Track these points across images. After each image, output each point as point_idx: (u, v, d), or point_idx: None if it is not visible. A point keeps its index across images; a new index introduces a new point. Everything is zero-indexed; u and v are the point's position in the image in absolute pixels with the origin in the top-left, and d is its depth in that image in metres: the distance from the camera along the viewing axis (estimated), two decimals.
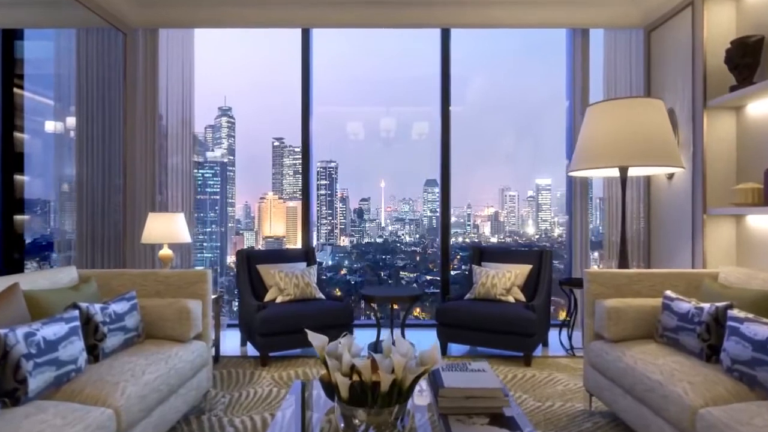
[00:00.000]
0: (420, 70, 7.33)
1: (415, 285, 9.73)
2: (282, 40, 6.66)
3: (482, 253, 5.30)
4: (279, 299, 4.77)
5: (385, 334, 5.15)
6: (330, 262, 9.28)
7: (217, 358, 4.63)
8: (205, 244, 8.21)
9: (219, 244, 8.48)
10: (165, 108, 5.47)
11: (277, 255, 5.18)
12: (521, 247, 9.85)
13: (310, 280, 4.85)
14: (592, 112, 4.25)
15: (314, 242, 10.34)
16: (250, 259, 5.04)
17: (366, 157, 9.19)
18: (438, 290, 9.89)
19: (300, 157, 10.11)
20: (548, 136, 7.60)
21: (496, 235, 9.97)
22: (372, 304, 4.86)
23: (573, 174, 4.59)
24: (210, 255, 8.17)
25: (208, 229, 8.27)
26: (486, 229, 9.99)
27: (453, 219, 10.68)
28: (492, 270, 4.90)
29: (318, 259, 10.35)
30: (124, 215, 5.45)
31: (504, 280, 4.79)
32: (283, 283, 4.78)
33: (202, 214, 8.08)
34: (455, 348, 5.00)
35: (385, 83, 7.87)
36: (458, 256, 9.41)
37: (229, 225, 9.69)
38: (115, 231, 5.43)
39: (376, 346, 4.93)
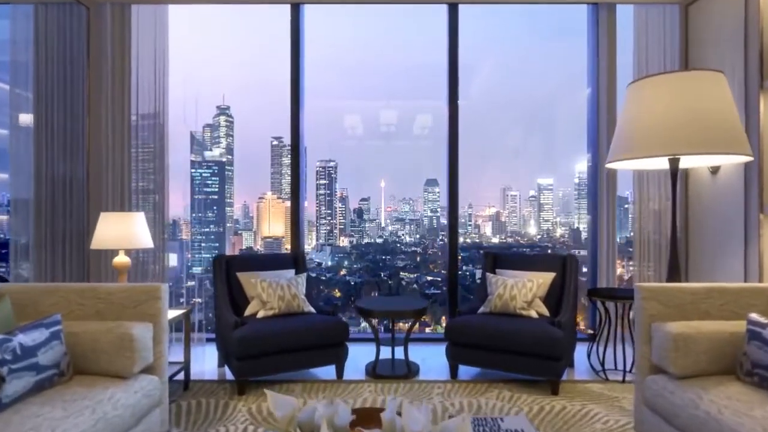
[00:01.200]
0: (423, 57, 6.26)
1: (415, 286, 8.79)
2: (274, 29, 5.61)
3: (496, 259, 4.23)
4: (261, 314, 3.71)
5: (385, 352, 4.09)
6: (329, 263, 8.46)
7: (186, 384, 3.57)
8: (203, 244, 7.44)
9: (217, 244, 7.62)
10: (135, 94, 4.40)
11: (261, 261, 4.11)
12: (530, 248, 8.89)
13: (297, 291, 3.79)
14: (635, 91, 3.19)
15: (313, 242, 9.48)
16: (229, 266, 3.98)
17: (365, 155, 8.18)
18: (438, 291, 8.96)
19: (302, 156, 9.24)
20: (561, 129, 6.53)
21: (498, 236, 9.20)
22: (370, 319, 3.81)
23: (611, 166, 3.54)
24: (208, 255, 7.29)
25: (206, 229, 7.51)
26: (487, 229, 9.21)
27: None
28: (510, 279, 3.83)
29: (317, 260, 9.42)
30: (87, 215, 4.39)
31: (525, 291, 3.72)
32: (266, 295, 3.72)
33: (200, 214, 7.39)
34: (465, 370, 3.92)
35: (384, 73, 6.80)
36: (459, 257, 8.82)
37: (228, 225, 8.95)
38: (78, 233, 4.37)
39: (375, 367, 3.87)
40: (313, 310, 3.85)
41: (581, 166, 8.67)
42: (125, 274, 3.40)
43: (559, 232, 8.12)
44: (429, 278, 8.64)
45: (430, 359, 4.15)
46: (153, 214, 4.42)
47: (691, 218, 4.32)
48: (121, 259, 3.42)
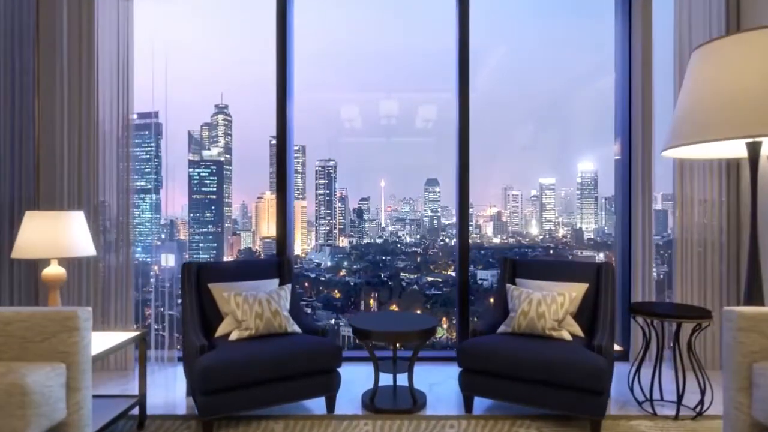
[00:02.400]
0: (426, 42, 5.34)
1: (416, 287, 8.03)
2: (272, 25, 4.80)
3: (516, 267, 3.29)
4: (234, 335, 2.78)
5: (385, 379, 3.16)
6: (329, 263, 7.79)
7: (142, 423, 2.65)
8: (201, 245, 6.84)
9: (215, 244, 7.02)
10: (96, 79, 3.48)
11: (238, 269, 3.18)
12: (531, 248, 8.16)
13: (279, 307, 2.86)
14: (701, 59, 2.27)
15: (313, 243, 8.76)
16: (200, 275, 3.05)
17: (364, 152, 7.37)
18: (439, 292, 8.22)
19: (299, 154, 8.49)
20: (577, 122, 5.62)
21: (499, 236, 8.45)
22: (367, 342, 2.88)
23: (667, 154, 2.61)
24: (206, 256, 6.66)
25: (204, 230, 6.89)
26: (488, 229, 8.43)
27: (454, 219, 9.15)
28: (536, 293, 2.90)
29: (317, 260, 8.64)
30: None
31: (555, 307, 2.80)
32: (241, 312, 2.79)
33: (198, 214, 6.78)
34: (482, 401, 2.99)
35: (384, 63, 5.88)
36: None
37: (226, 225, 8.18)
38: None
39: (373, 397, 2.95)
40: (298, 329, 2.92)
41: (584, 165, 7.87)
42: (56, 291, 2.47)
43: (561, 232, 7.54)
44: (429, 279, 7.86)
45: (440, 386, 3.23)
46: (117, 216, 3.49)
47: (745, 218, 3.40)
48: (53, 270, 2.49)
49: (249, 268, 3.14)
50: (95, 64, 3.33)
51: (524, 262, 3.24)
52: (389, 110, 5.70)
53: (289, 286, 3.06)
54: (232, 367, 2.47)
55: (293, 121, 3.89)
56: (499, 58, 5.02)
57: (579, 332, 2.85)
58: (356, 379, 3.24)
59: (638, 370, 2.92)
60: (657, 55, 3.49)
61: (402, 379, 3.06)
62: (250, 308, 2.76)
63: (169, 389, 3.18)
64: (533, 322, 2.78)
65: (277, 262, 3.27)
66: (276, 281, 3.13)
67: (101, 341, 2.40)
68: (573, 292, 2.88)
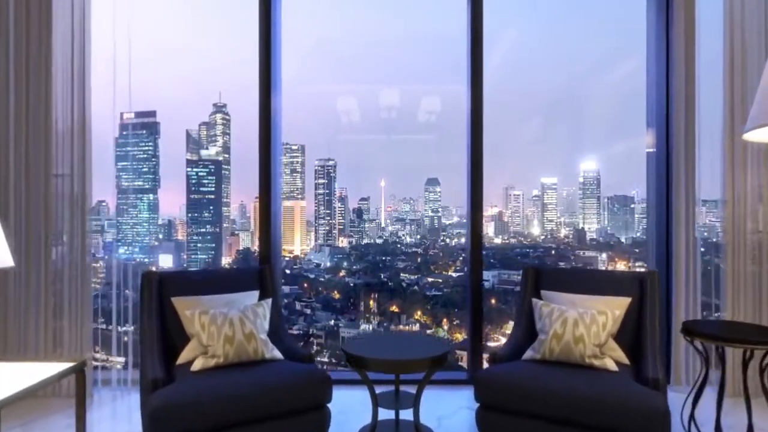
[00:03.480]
0: (427, 26, 4.63)
1: (416, 287, 7.48)
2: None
3: (540, 277, 2.57)
4: (198, 364, 2.07)
5: (384, 414, 2.44)
6: (328, 264, 7.23)
7: None
8: (199, 245, 6.35)
9: (213, 245, 6.52)
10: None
11: (210, 280, 2.46)
12: (533, 248, 7.70)
13: (255, 328, 2.15)
14: None
15: (312, 243, 8.36)
16: (162, 287, 2.34)
17: (364, 151, 6.82)
18: (440, 293, 7.35)
19: (298, 154, 8.02)
20: (590, 114, 4.92)
21: (500, 236, 7.80)
22: (364, 372, 2.17)
23: (752, 137, 1.91)
24: (204, 256, 6.25)
25: (203, 230, 6.42)
26: (489, 229, 7.81)
27: (455, 219, 8.62)
28: (570, 311, 2.18)
29: (316, 261, 8.08)
30: None
31: (595, 329, 2.08)
32: (207, 335, 2.08)
33: (196, 214, 6.31)
34: None
35: (384, 52, 5.20)
36: (461, 257, 7.13)
37: (224, 225, 7.57)
38: None
39: None
40: (278, 355, 2.21)
41: (586, 164, 7.31)
42: None
43: (563, 232, 7.04)
44: (430, 279, 7.14)
45: (450, 419, 2.51)
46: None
47: None
48: None
49: (223, 279, 2.44)
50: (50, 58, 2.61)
51: (551, 272, 2.53)
52: (390, 103, 5.01)
53: (270, 300, 2.35)
54: (189, 407, 1.76)
55: (280, 116, 3.22)
56: (503, 50, 4.31)
57: (624, 359, 2.14)
58: (351, 409, 2.52)
59: (694, 404, 2.21)
60: (702, 33, 2.78)
61: (406, 412, 2.35)
62: (218, 330, 2.05)
63: (132, 424, 2.47)
64: (569, 348, 2.07)
65: (258, 272, 2.55)
66: (255, 294, 2.42)
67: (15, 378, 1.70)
68: (615, 309, 2.17)
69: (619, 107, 4.41)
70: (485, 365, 2.88)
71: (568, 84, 4.59)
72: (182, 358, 2.14)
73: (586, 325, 2.07)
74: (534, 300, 2.30)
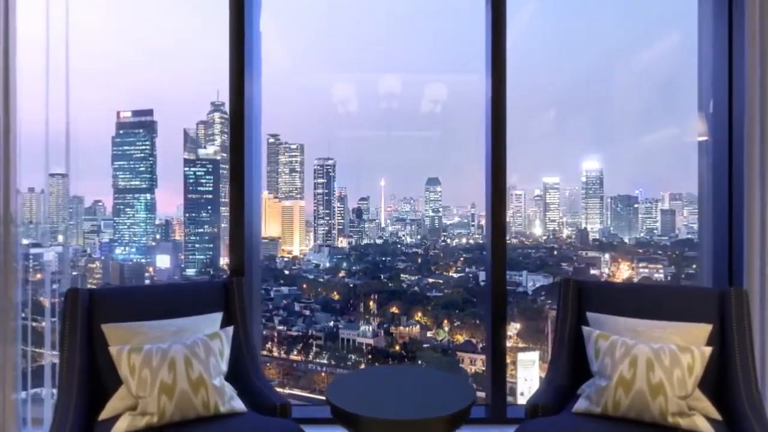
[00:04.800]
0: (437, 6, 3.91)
1: (416, 288, 6.93)
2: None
3: (584, 294, 1.80)
4: (124, 425, 1.34)
5: None
6: (327, 264, 6.71)
7: None
8: (197, 245, 5.87)
9: (211, 245, 5.98)
10: None
11: (156, 299, 1.71)
12: (538, 250, 7.28)
13: (206, 373, 1.42)
14: None
15: (311, 243, 7.82)
16: (93, 309, 1.59)
17: (363, 148, 6.29)
18: (440, 293, 6.75)
19: (297, 153, 7.38)
20: (621, 99, 4.22)
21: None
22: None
23: None
24: (202, 257, 5.81)
25: (200, 230, 5.94)
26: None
27: (456, 219, 8.08)
28: (640, 345, 1.46)
29: (315, 261, 7.68)
30: None
31: (679, 374, 1.36)
32: (137, 383, 1.36)
33: (194, 214, 5.85)
34: None
35: (385, 33, 4.52)
36: (462, 258, 6.84)
37: (223, 226, 6.97)
38: None
39: None
40: (240, 406, 1.49)
41: (589, 164, 6.83)
42: None
43: (565, 232, 6.54)
44: (431, 280, 6.63)
45: None
46: None
47: None
48: None
49: (175, 297, 1.70)
50: None
51: (598, 287, 1.81)
52: (391, 91, 4.33)
53: (231, 330, 1.59)
54: None
55: (259, 103, 2.54)
56: (514, 33, 3.57)
57: (713, 413, 1.40)
58: None
59: None
60: None
61: None
62: (152, 375, 1.35)
63: None
64: (643, 401, 1.36)
65: (223, 287, 1.79)
66: (218, 318, 1.66)
67: None
68: (695, 341, 1.42)
69: (651, 92, 3.68)
70: (508, 396, 2.14)
71: (590, 69, 3.86)
72: (107, 411, 1.40)
73: (665, 368, 1.35)
74: (587, 329, 1.54)
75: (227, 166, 8.96)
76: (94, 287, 2.07)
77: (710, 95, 2.36)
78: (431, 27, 3.95)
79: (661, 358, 1.44)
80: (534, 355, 5.15)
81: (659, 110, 3.73)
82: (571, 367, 1.68)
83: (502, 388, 2.27)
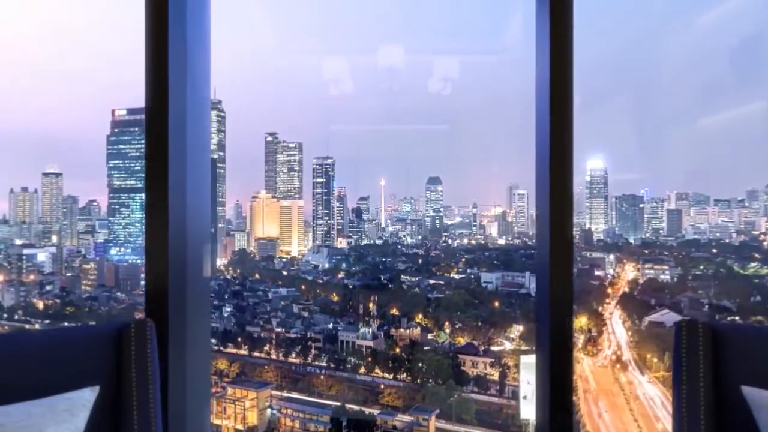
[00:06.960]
0: None
1: (417, 290, 6.92)
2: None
3: (725, 350, 0.72)
4: None
5: None
6: (326, 265, 6.78)
7: None
8: None
9: (208, 245, 5.73)
10: None
11: None
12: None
13: None
14: None
15: (310, 244, 7.72)
16: None
17: (363, 145, 6.19)
18: (441, 295, 6.78)
19: (295, 152, 7.41)
20: (668, 77, 4.07)
21: (504, 237, 7.25)
22: None
23: None
24: None
25: None
26: (493, 230, 7.49)
27: (458, 219, 8.01)
28: None
29: (314, 262, 7.64)
30: None
31: None
32: None
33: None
34: None
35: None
36: (463, 259, 6.99)
37: (219, 226, 6.97)
38: None
39: None
40: None
41: (593, 163, 6.81)
42: None
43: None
44: (432, 281, 6.73)
45: None
46: None
47: None
48: None
49: (24, 362, 0.57)
50: None
51: (756, 340, 0.60)
52: (393, 83, 4.28)
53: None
54: None
55: (206, 82, 1.78)
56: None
57: None
58: None
59: None
60: None
61: None
62: None
63: None
64: None
65: (116, 336, 0.67)
66: (85, 399, 0.56)
67: None
68: None
69: (705, 66, 3.37)
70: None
71: (626, 47, 3.65)
72: None
73: None
74: (750, 390, 0.68)
75: (224, 165, 8.71)
76: None
77: None
78: None
79: None
80: None
81: (724, 84, 3.16)
82: None
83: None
